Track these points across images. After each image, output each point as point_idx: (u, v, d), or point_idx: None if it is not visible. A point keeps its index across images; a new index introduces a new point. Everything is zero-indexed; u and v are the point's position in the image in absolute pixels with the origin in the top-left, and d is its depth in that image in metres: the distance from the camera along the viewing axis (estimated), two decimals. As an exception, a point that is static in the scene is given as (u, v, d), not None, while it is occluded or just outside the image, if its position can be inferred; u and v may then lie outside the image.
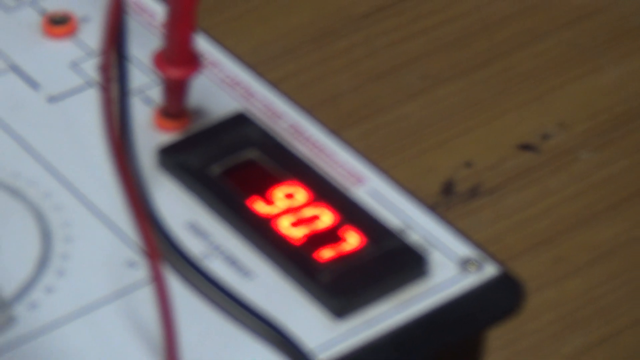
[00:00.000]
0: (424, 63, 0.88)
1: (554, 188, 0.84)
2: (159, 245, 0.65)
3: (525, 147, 0.86)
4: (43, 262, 0.67)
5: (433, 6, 0.93)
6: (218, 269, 0.66)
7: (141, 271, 0.66)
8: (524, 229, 0.81)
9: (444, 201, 0.79)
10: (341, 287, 0.64)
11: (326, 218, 0.67)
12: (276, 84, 0.76)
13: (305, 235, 0.66)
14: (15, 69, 0.77)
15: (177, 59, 0.71)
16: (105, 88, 0.62)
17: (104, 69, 0.63)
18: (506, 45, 0.89)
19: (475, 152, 0.85)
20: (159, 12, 0.78)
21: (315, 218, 0.67)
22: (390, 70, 0.88)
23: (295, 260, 0.66)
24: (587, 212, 0.81)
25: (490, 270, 0.66)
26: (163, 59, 0.71)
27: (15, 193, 0.70)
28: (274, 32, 0.95)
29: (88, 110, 0.74)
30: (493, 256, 0.67)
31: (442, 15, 0.92)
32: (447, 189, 0.82)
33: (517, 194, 0.83)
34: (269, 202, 0.68)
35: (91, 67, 0.76)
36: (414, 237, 0.67)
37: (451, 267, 0.66)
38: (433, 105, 0.87)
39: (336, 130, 0.73)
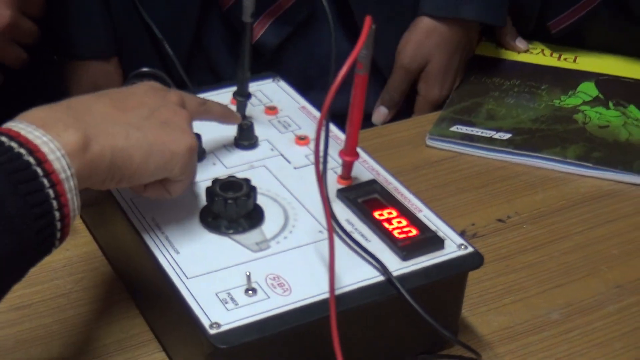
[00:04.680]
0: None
1: (510, 238, 0.83)
2: (333, 224, 0.68)
3: (499, 220, 0.85)
4: (283, 227, 0.71)
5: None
6: (355, 236, 0.69)
7: (324, 234, 0.69)
8: (492, 249, 0.81)
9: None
10: (406, 248, 0.67)
11: (403, 222, 0.70)
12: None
13: (394, 228, 0.69)
14: (282, 154, 0.79)
15: (349, 154, 0.74)
16: (318, 165, 0.63)
17: (317, 156, 0.64)
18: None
19: (477, 219, 0.84)
20: (343, 137, 0.76)
21: (399, 222, 0.70)
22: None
23: (389, 237, 0.69)
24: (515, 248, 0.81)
25: (470, 249, 0.69)
26: (343, 153, 0.74)
27: (275, 200, 0.73)
28: (396, 162, 0.92)
29: (310, 173, 0.76)
30: (473, 246, 0.69)
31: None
32: (462, 232, 0.81)
33: (492, 238, 0.83)
34: (381, 214, 0.71)
35: (312, 157, 0.77)
36: (440, 234, 0.69)
37: (454, 246, 0.69)
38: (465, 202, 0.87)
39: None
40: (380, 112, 1.05)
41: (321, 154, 0.65)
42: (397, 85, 1.06)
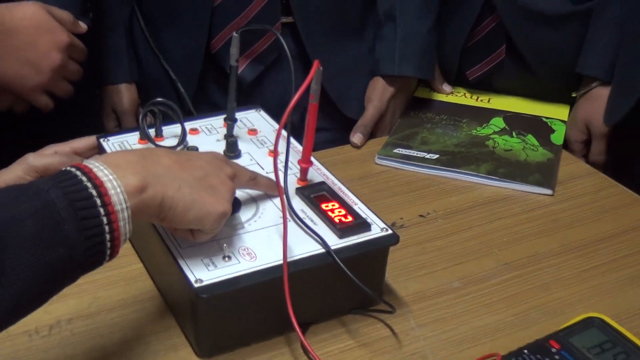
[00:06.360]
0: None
1: (428, 229, 0.83)
2: (288, 210, 0.72)
3: (421, 215, 0.87)
4: (255, 214, 0.73)
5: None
6: (306, 221, 0.72)
7: (280, 217, 0.71)
8: (413, 237, 0.81)
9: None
10: (342, 230, 0.71)
11: (342, 212, 0.73)
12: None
13: (335, 216, 0.73)
14: (258, 163, 0.80)
15: (304, 162, 0.78)
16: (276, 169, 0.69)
17: (275, 164, 0.70)
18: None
19: (404, 215, 0.85)
20: (301, 148, 0.78)
21: (339, 211, 0.73)
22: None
23: (331, 221, 0.72)
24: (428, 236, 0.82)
25: (390, 232, 0.71)
26: (301, 161, 0.78)
27: (250, 195, 0.75)
28: (347, 173, 0.92)
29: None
30: (392, 229, 0.71)
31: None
32: (393, 224, 0.83)
33: (415, 228, 0.83)
34: (327, 206, 0.74)
35: (280, 165, 0.77)
36: (369, 220, 0.72)
37: (378, 229, 0.72)
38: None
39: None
40: (359, 137, 1.09)
41: (283, 165, 0.72)
42: (371, 120, 1.11)
